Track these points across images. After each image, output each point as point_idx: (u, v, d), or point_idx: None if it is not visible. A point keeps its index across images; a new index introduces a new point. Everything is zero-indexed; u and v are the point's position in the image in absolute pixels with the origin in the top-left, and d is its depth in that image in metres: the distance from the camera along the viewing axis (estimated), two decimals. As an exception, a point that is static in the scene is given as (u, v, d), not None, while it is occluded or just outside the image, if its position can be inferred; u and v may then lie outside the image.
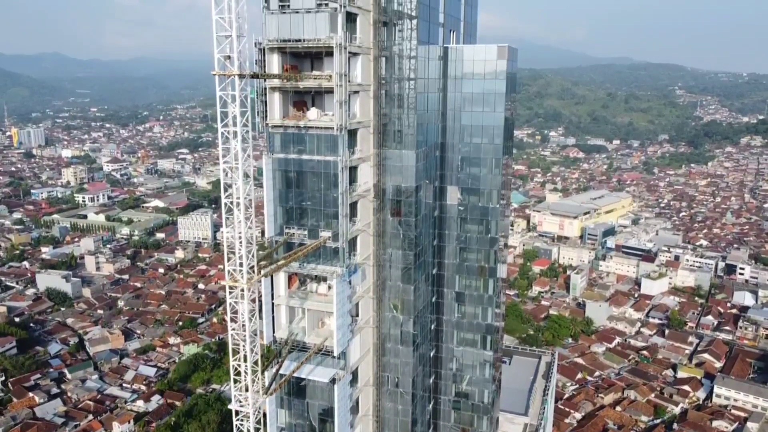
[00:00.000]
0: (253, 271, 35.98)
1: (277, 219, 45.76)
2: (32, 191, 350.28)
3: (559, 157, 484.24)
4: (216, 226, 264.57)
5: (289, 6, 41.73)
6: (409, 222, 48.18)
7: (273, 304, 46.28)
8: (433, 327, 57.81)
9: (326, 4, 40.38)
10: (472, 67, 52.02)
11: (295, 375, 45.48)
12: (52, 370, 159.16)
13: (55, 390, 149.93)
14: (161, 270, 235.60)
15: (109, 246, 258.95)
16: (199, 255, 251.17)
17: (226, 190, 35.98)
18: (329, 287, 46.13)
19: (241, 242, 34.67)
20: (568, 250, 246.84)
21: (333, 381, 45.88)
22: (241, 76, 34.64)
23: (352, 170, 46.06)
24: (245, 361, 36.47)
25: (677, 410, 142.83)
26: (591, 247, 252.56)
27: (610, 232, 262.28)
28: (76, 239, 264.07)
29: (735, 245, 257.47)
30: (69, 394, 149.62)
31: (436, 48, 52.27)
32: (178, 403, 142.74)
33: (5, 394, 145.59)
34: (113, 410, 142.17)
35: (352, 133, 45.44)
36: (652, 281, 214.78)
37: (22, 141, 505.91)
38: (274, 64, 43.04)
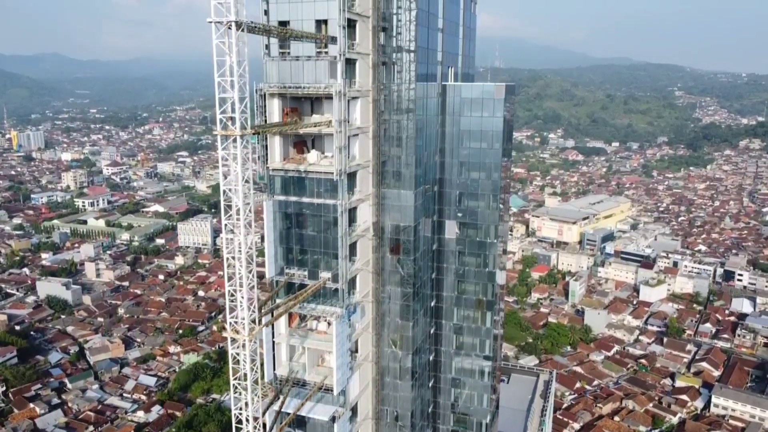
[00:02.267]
0: (255, 323, 36.57)
1: (277, 259, 46.37)
2: (32, 196, 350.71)
3: (559, 159, 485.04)
4: (216, 232, 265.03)
5: (289, 53, 42.30)
6: (407, 260, 48.83)
7: (274, 342, 46.92)
8: (431, 358, 58.48)
9: (326, 52, 40.93)
10: (470, 104, 52.60)
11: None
12: (52, 379, 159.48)
13: (55, 400, 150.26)
14: (161, 276, 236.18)
15: (109, 252, 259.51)
16: (199, 261, 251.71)
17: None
18: (329, 324, 46.72)
19: (242, 296, 35.20)
20: (567, 256, 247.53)
21: (333, 419, 46.52)
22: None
23: (352, 211, 46.68)
24: (247, 408, 37.00)
25: (675, 420, 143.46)
26: (590, 252, 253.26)
27: (609, 237, 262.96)
28: (76, 245, 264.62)
29: (733, 251, 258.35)
30: (70, 404, 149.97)
31: (435, 85, 52.88)
32: (178, 414, 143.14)
33: (6, 404, 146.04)
34: (114, 421, 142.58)
35: (351, 175, 46.05)
36: (650, 288, 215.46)
37: (22, 144, 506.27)
38: (275, 108, 43.63)
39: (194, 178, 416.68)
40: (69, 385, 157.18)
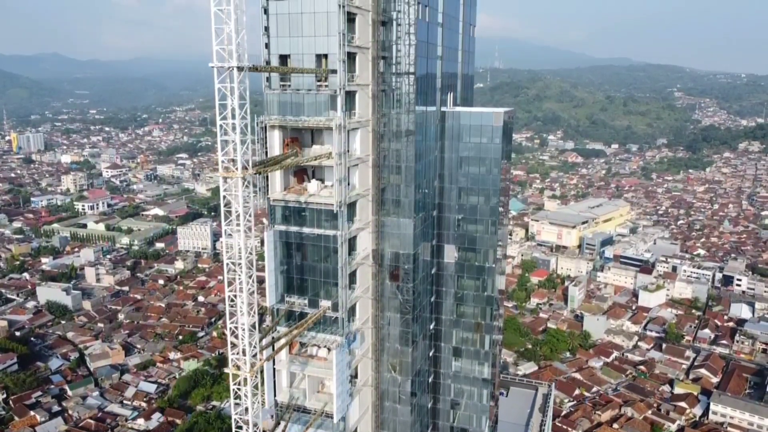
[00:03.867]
0: (256, 358, 36.99)
1: (278, 287, 46.77)
2: (32, 199, 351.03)
3: (558, 161, 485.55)
4: (215, 236, 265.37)
5: (290, 85, 42.69)
6: (407, 286, 49.27)
7: (274, 369, 47.35)
8: (430, 380, 58.93)
9: (326, 86, 41.34)
10: (469, 131, 53.05)
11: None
12: (53, 386, 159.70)
13: (56, 408, 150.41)
14: (161, 281, 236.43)
15: (108, 256, 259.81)
16: (199, 265, 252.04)
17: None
18: (329, 350, 47.13)
19: (244, 331, 35.59)
20: (566, 261, 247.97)
21: (333, 445, 47.02)
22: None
23: (352, 239, 47.09)
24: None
25: (674, 428, 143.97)
26: (589, 257, 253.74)
27: (608, 241, 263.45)
28: (76, 249, 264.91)
29: (732, 255, 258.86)
30: (70, 411, 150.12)
31: (434, 112, 53.28)
32: (178, 421, 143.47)
33: (7, 412, 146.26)
34: (114, 429, 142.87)
35: (351, 204, 46.46)
36: (649, 293, 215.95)
37: (22, 146, 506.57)
38: (276, 139, 44.05)
39: (194, 180, 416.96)
40: (69, 392, 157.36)
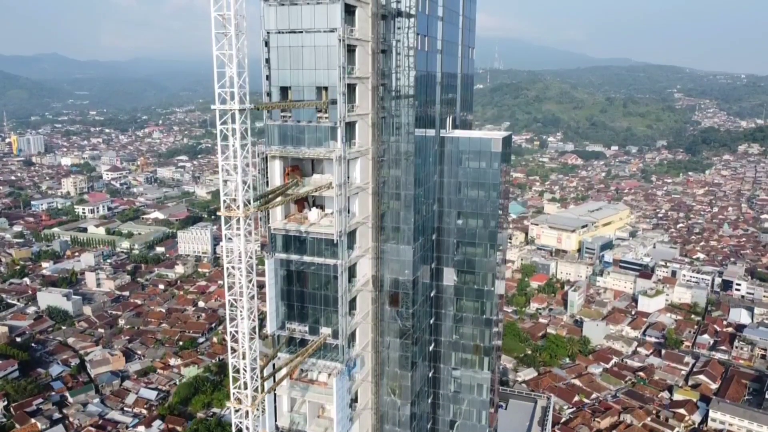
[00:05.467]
0: (257, 391, 37.44)
1: (278, 315, 47.25)
2: (32, 202, 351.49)
3: (558, 163, 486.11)
4: (216, 240, 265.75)
5: (290, 116, 43.13)
6: (406, 313, 49.75)
7: (275, 394, 47.80)
8: (430, 401, 59.42)
9: (326, 118, 41.78)
10: (468, 156, 53.51)
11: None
12: (54, 393, 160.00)
13: (57, 415, 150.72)
14: (161, 286, 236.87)
15: (109, 261, 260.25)
16: (199, 270, 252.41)
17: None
18: (329, 375, 47.59)
19: (245, 367, 36.02)
20: (566, 265, 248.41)
21: (333, 470, 47.43)
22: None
23: (352, 267, 47.52)
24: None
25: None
26: (589, 261, 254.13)
27: (607, 245, 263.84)
28: (77, 254, 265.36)
29: (732, 259, 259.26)
30: (71, 419, 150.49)
31: (433, 137, 53.74)
32: (179, 429, 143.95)
33: (8, 419, 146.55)
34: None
35: (351, 232, 46.91)
36: (649, 299, 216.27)
37: (22, 148, 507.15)
38: (276, 169, 44.48)
39: (194, 183, 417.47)
40: (70, 399, 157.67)
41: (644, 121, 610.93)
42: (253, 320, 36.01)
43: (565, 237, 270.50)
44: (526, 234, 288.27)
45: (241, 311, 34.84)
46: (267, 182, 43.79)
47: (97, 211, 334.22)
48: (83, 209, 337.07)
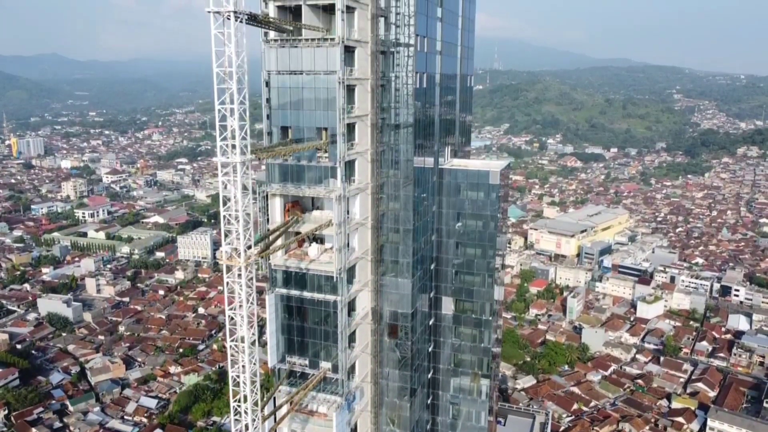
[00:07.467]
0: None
1: (279, 348, 47.74)
2: (32, 206, 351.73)
3: (557, 166, 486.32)
4: (215, 244, 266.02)
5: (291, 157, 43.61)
6: (405, 344, 50.25)
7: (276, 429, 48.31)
8: (429, 427, 59.95)
9: (326, 157, 42.26)
10: (466, 187, 53.97)
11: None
12: (54, 401, 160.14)
13: (57, 424, 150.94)
14: (161, 292, 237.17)
15: (109, 266, 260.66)
16: (199, 275, 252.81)
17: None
18: (329, 407, 48.10)
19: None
20: (565, 271, 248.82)
21: (333, 501, 47.93)
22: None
23: (351, 301, 48.01)
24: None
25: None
26: (588, 267, 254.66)
27: (606, 250, 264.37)
28: (77, 259, 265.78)
29: (731, 264, 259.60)
30: (71, 428, 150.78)
31: (432, 168, 54.20)
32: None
33: (8, 429, 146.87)
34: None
35: (351, 267, 47.41)
36: (647, 305, 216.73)
37: (22, 151, 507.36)
38: (277, 206, 44.97)
39: (194, 186, 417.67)
40: (70, 408, 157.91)
41: (643, 123, 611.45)
42: (254, 364, 36.66)
43: (565, 242, 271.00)
44: (526, 238, 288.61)
45: (242, 358, 35.59)
46: (268, 219, 44.31)
47: (97, 215, 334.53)
48: (83, 213, 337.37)
